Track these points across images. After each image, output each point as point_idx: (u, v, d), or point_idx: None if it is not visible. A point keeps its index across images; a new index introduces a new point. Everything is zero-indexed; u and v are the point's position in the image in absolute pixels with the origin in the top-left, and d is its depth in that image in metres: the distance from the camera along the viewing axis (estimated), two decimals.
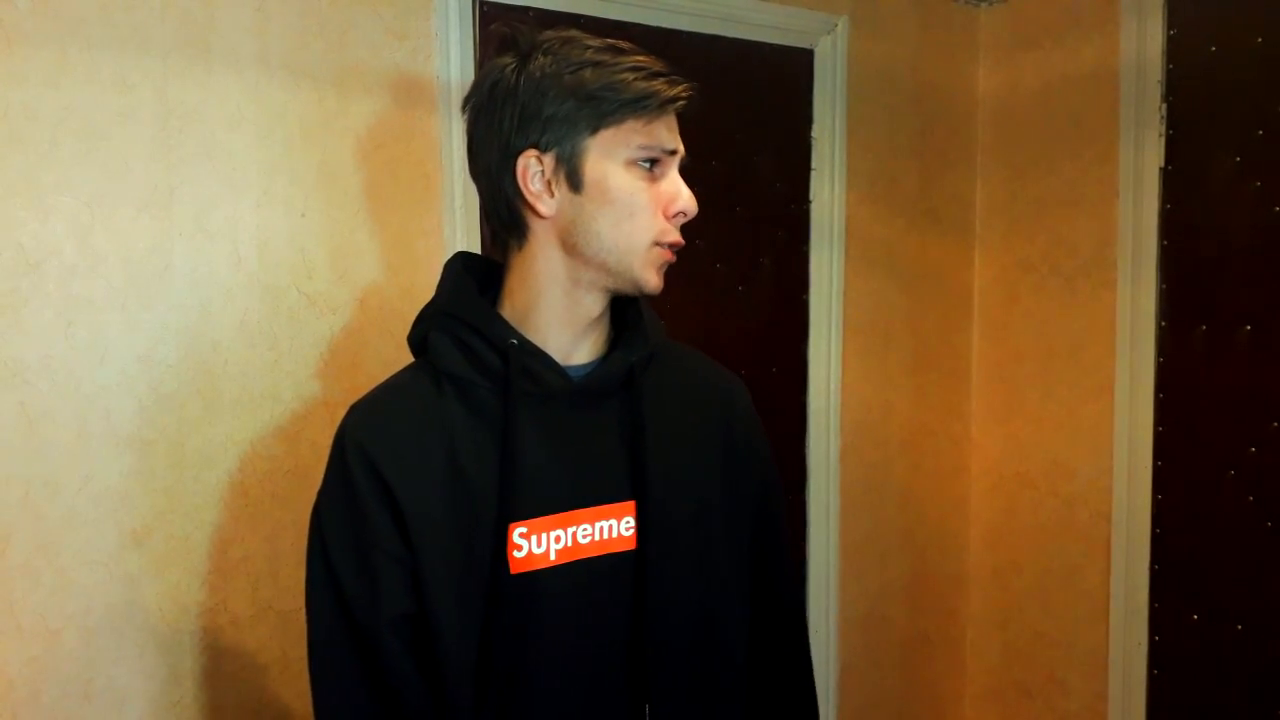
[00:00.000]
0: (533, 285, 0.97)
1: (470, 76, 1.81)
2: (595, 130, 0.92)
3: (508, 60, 0.95)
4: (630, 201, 0.93)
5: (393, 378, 1.01)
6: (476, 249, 1.83)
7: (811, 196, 2.28)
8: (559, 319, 0.98)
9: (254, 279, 1.65)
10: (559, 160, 0.93)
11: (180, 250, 1.59)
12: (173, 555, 1.61)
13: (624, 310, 1.04)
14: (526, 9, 1.86)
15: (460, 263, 1.03)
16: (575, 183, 0.93)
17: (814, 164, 2.27)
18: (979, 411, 2.55)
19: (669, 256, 0.97)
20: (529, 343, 0.96)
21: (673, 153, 0.96)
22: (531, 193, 0.94)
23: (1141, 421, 2.14)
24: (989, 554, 2.53)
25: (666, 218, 0.95)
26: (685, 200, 0.95)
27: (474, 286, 1.00)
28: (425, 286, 1.77)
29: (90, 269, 1.53)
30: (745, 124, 2.17)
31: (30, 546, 1.51)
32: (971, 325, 2.55)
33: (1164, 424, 2.12)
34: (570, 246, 0.95)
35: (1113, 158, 2.18)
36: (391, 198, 1.76)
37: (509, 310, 0.99)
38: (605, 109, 0.91)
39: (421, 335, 1.00)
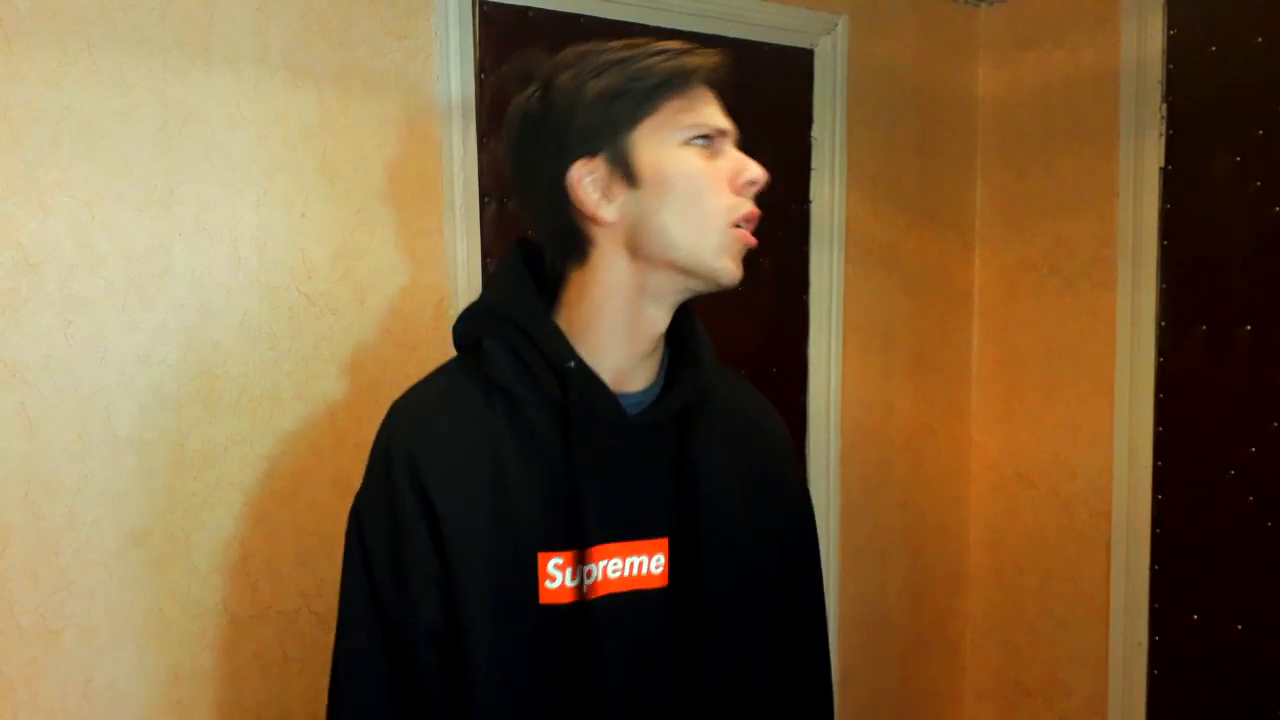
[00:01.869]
0: (593, 297, 0.92)
1: (470, 76, 1.81)
2: (635, 122, 0.89)
3: (531, 90, 0.92)
4: (693, 184, 0.89)
5: (440, 380, 0.97)
6: (477, 249, 1.84)
7: (812, 196, 2.28)
8: (621, 334, 0.93)
9: (254, 279, 1.65)
10: (609, 162, 0.89)
11: (180, 250, 1.59)
12: (173, 555, 1.61)
13: (677, 327, 0.99)
14: (526, 9, 1.86)
15: (520, 255, 0.98)
16: (631, 178, 0.89)
17: (814, 164, 2.27)
18: (979, 411, 2.55)
19: (749, 239, 0.92)
20: (587, 368, 0.91)
21: (724, 132, 0.92)
22: (591, 202, 0.89)
23: (1141, 421, 2.14)
24: (989, 554, 2.53)
25: (735, 190, 0.90)
26: (754, 169, 0.91)
27: (534, 290, 0.95)
28: (426, 286, 1.79)
29: (90, 269, 1.53)
30: (745, 123, 2.13)
31: (30, 546, 1.51)
32: (972, 325, 2.55)
33: (1164, 424, 2.12)
34: (636, 250, 0.90)
35: (1113, 158, 2.18)
36: (391, 198, 1.76)
37: (565, 321, 0.94)
38: (639, 98, 0.88)
39: (474, 337, 0.95)
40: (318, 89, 1.68)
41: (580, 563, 0.91)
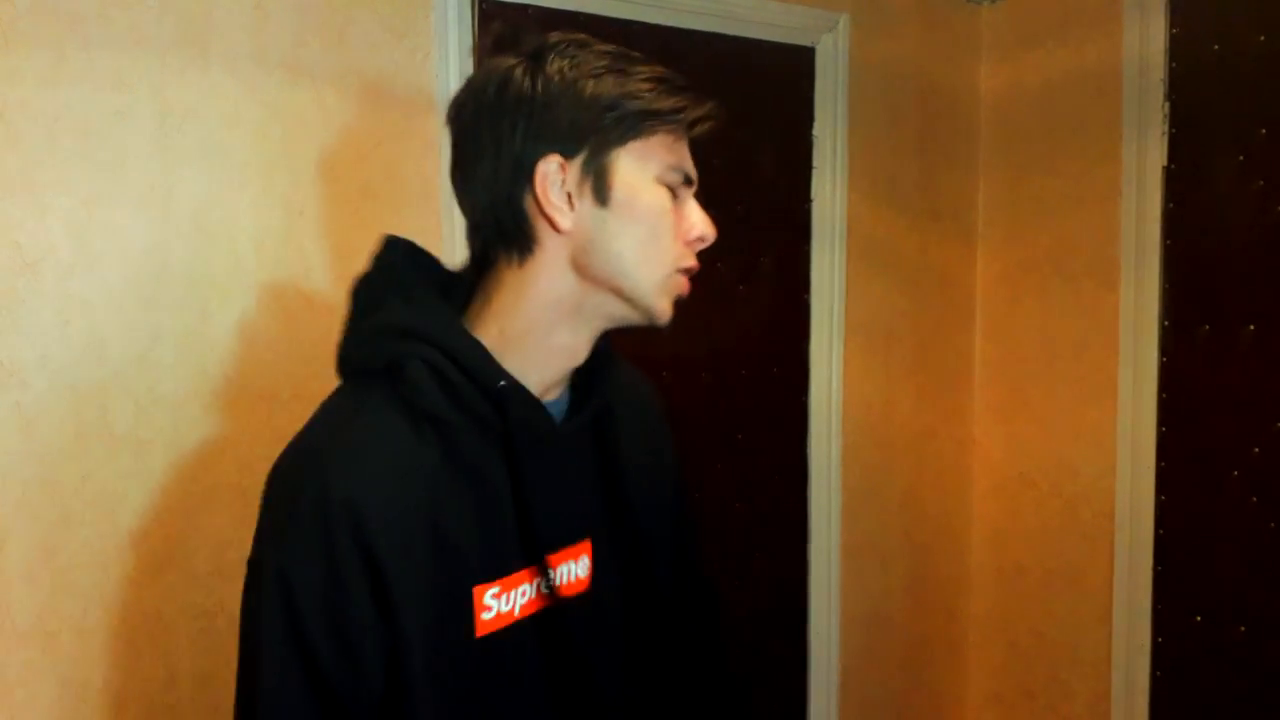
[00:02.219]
0: (529, 309, 0.87)
1: (469, 74, 1.80)
2: (624, 141, 0.85)
3: (512, 61, 0.86)
4: (657, 222, 0.87)
5: (359, 411, 0.85)
6: None
7: (813, 195, 2.27)
8: (549, 352, 0.89)
9: (252, 278, 1.64)
10: (585, 170, 0.85)
11: (178, 249, 1.58)
12: (170, 557, 1.60)
13: None
14: (526, 7, 1.85)
15: (409, 262, 0.91)
16: (602, 196, 0.85)
17: (815, 162, 2.27)
18: (981, 412, 2.54)
19: (686, 287, 0.92)
20: (519, 386, 0.86)
21: (692, 182, 0.91)
22: (550, 204, 0.85)
23: (1144, 422, 2.13)
24: (991, 555, 2.52)
25: (685, 243, 0.90)
26: (706, 224, 0.90)
27: (441, 300, 0.89)
28: None
29: (87, 268, 1.52)
30: (746, 122, 2.16)
31: (27, 548, 1.50)
32: (974, 325, 2.54)
33: (1167, 424, 2.11)
34: (583, 267, 0.87)
35: (1115, 157, 2.17)
36: (390, 196, 1.75)
37: (489, 335, 0.88)
38: (635, 118, 0.85)
39: (391, 358, 0.85)
40: (316, 88, 1.67)
41: (514, 586, 0.88)
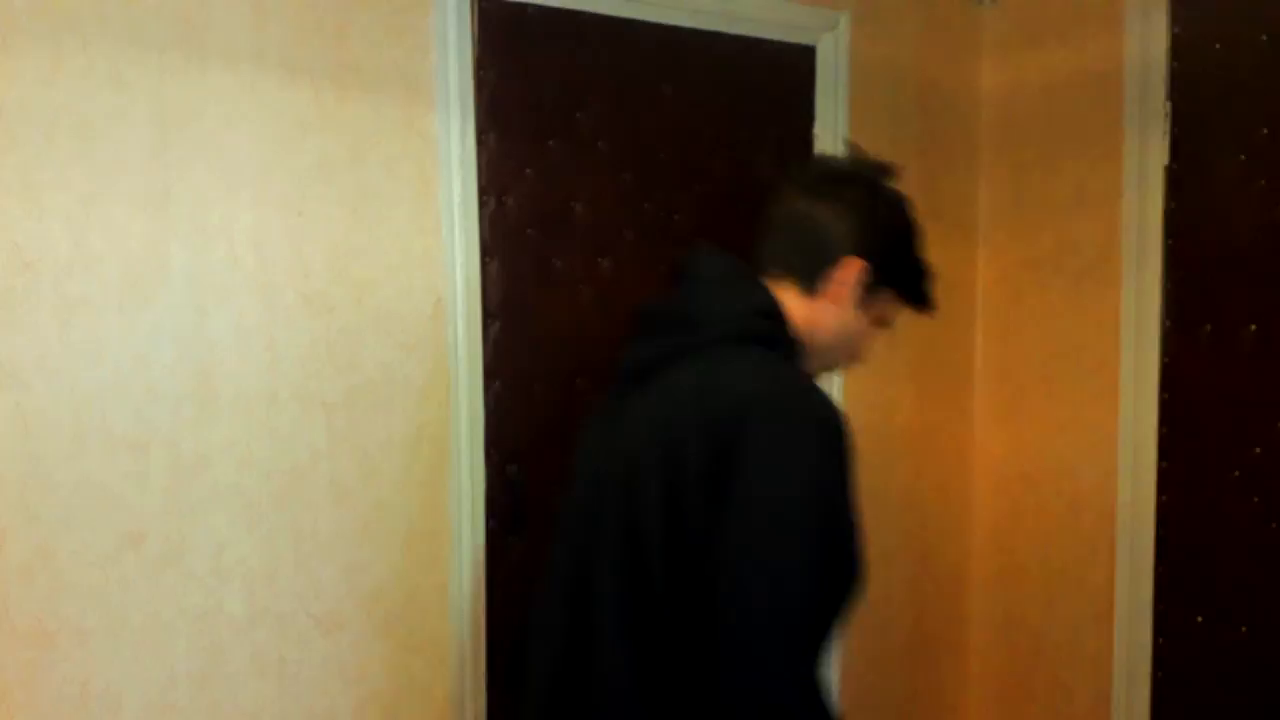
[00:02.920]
0: (799, 320, 1.14)
1: (469, 73, 1.80)
2: (897, 288, 1.17)
3: (879, 174, 1.20)
4: (865, 339, 1.22)
5: (784, 366, 1.11)
6: (475, 248, 1.83)
7: None
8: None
9: (250, 278, 1.64)
10: (870, 285, 1.14)
11: (176, 249, 1.58)
12: (168, 557, 1.60)
13: None
14: (525, 5, 1.85)
15: (733, 256, 1.17)
16: (867, 306, 1.16)
17: None
18: (982, 412, 2.53)
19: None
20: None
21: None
22: (841, 283, 1.13)
23: (1146, 422, 2.13)
24: (992, 555, 2.52)
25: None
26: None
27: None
28: (422, 286, 1.78)
29: (86, 268, 1.52)
30: (747, 121, 2.15)
31: (26, 548, 1.50)
32: (975, 325, 2.54)
33: (1168, 424, 2.10)
34: (820, 325, 1.15)
35: (1117, 156, 2.17)
36: (389, 196, 1.75)
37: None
38: (918, 291, 1.20)
39: (774, 331, 1.11)
40: (315, 86, 1.67)
41: None
